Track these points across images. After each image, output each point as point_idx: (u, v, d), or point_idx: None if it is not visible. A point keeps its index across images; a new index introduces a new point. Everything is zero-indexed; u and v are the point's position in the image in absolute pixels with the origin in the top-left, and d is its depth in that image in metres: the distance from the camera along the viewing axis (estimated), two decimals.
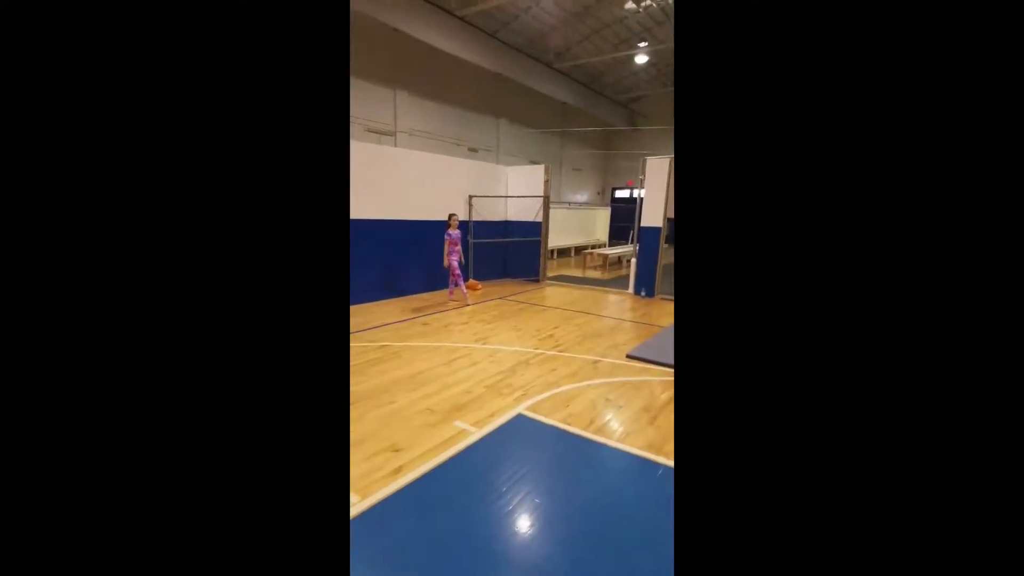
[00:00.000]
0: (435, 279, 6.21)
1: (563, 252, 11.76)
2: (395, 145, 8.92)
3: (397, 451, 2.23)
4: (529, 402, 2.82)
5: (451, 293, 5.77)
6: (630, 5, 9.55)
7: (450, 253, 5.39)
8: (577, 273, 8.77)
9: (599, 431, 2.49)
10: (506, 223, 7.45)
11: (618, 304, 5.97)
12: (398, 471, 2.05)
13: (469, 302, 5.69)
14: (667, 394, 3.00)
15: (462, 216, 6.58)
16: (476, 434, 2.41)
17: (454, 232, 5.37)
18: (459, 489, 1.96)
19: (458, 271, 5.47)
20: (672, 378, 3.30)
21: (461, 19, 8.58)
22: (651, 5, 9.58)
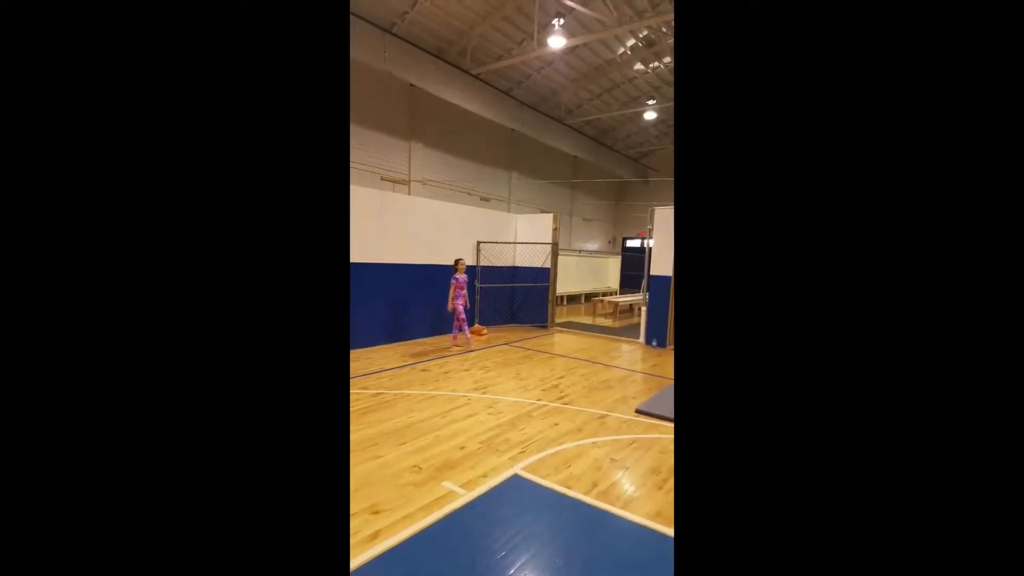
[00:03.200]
0: (440, 323, 6.11)
1: (573, 299, 11.65)
2: (409, 193, 9.16)
3: (376, 513, 2.02)
4: (527, 461, 2.59)
5: (455, 338, 5.63)
6: (639, 67, 10.03)
7: (456, 297, 5.33)
8: (587, 320, 8.58)
9: (602, 496, 2.24)
10: (514, 268, 7.42)
11: (629, 354, 5.74)
12: (375, 536, 1.84)
13: (473, 347, 5.54)
14: None
15: (470, 261, 6.57)
16: (465, 497, 2.19)
17: (461, 277, 5.34)
18: (441, 560, 1.73)
19: (463, 316, 5.39)
20: None
21: (476, 77, 9.06)
22: (659, 67, 10.04)
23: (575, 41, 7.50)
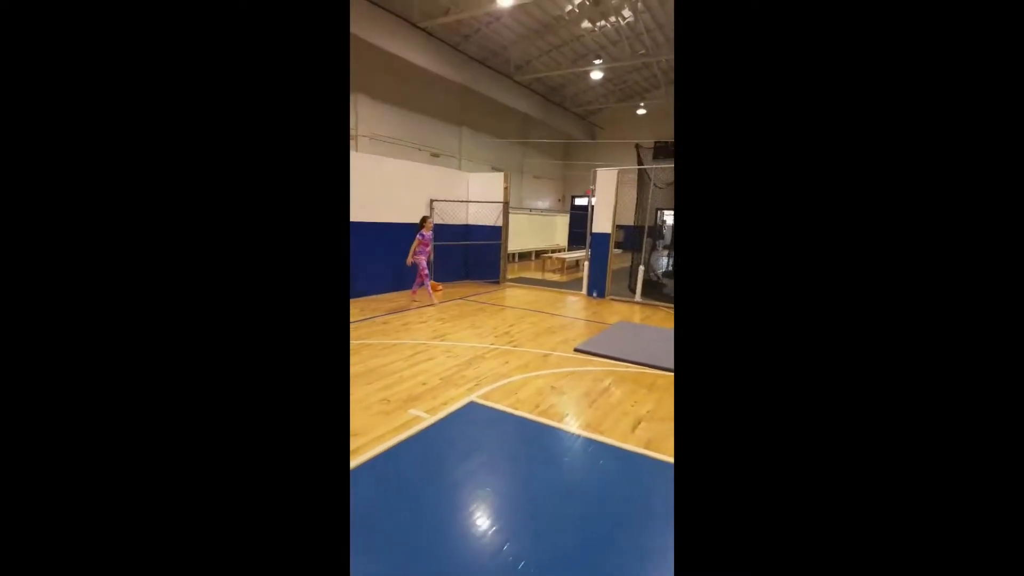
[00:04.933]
0: (399, 280, 6.32)
1: (524, 256, 12.08)
2: (356, 150, 8.95)
3: (353, 436, 2.38)
4: (481, 391, 3.03)
5: (414, 292, 5.87)
6: (586, 24, 10.08)
7: (418, 252, 5.53)
8: (537, 276, 9.08)
9: (543, 414, 2.74)
10: (467, 227, 7.66)
11: (572, 304, 6.30)
12: (354, 452, 2.21)
13: (434, 302, 5.83)
14: (606, 381, 3.30)
15: None
16: (429, 419, 2.60)
17: (427, 234, 5.53)
18: (411, 466, 2.14)
19: (426, 271, 5.63)
20: (611, 367, 3.61)
21: (423, 30, 8.78)
22: (606, 25, 10.14)
23: None
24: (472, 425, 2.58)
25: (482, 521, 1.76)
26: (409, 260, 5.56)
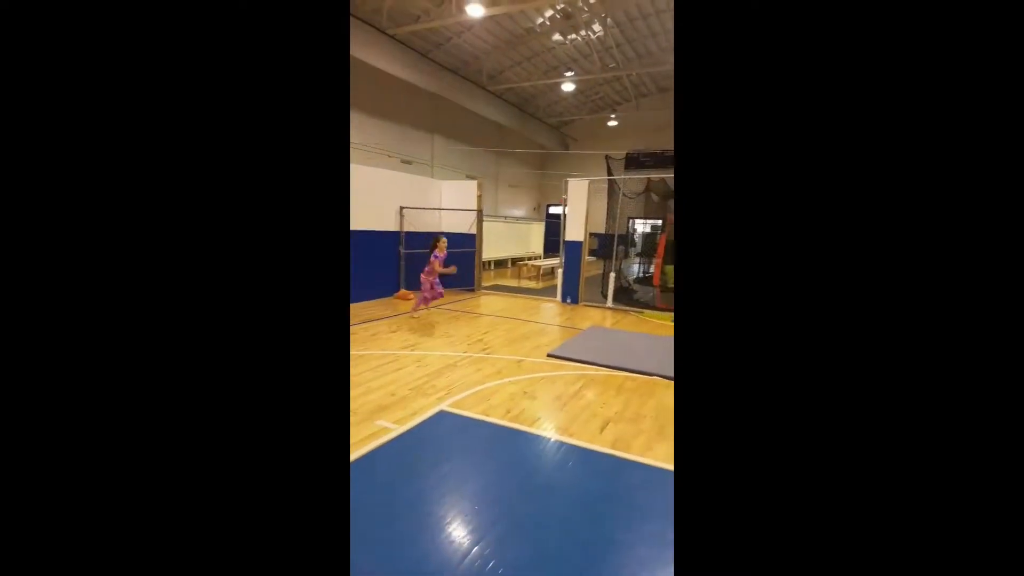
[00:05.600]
0: (366, 290, 6.21)
1: (500, 263, 12.10)
2: None
3: None
4: (452, 400, 2.99)
5: (415, 310, 5.55)
6: (557, 37, 10.29)
7: (428, 273, 5.23)
8: (513, 283, 9.10)
9: (514, 419, 2.72)
10: (440, 235, 7.61)
11: (547, 311, 6.33)
12: None
13: (415, 315, 5.54)
14: (577, 385, 3.32)
15: (393, 227, 6.65)
16: (397, 430, 2.54)
17: (441, 255, 5.24)
18: (378, 477, 2.09)
19: (428, 293, 5.31)
20: (583, 371, 3.64)
21: (392, 37, 8.77)
22: (576, 39, 10.38)
23: (494, 11, 7.55)
24: (442, 433, 2.54)
25: (451, 527, 1.73)
26: (434, 274, 5.25)
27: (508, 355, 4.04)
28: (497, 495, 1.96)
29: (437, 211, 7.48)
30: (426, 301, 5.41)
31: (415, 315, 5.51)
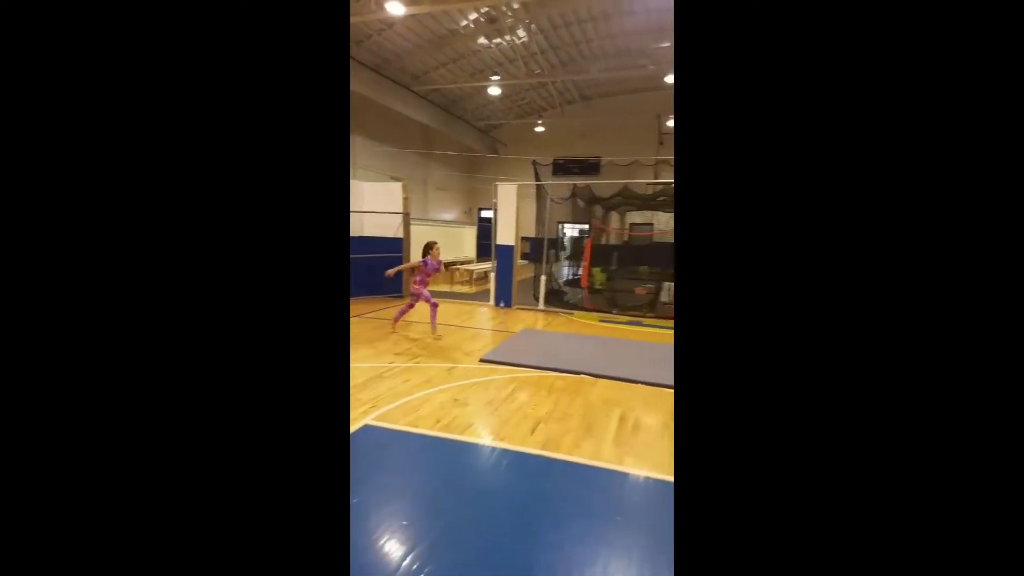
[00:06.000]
0: None
1: None
2: None
3: None
4: (377, 413, 2.85)
5: (396, 321, 5.15)
6: (482, 40, 10.33)
7: (417, 281, 4.83)
8: (445, 288, 8.94)
9: (445, 428, 2.65)
10: (362, 239, 7.27)
11: (480, 315, 6.30)
12: None
13: (438, 334, 5.05)
14: (509, 388, 3.32)
15: None
16: None
17: (432, 262, 4.84)
18: None
19: (414, 302, 4.94)
20: (515, 374, 3.65)
21: None
22: (501, 43, 10.49)
23: (415, 10, 7.40)
24: (368, 449, 2.40)
25: (380, 541, 1.62)
26: (391, 273, 4.91)
27: (439, 363, 3.94)
28: (428, 505, 1.89)
29: (359, 214, 7.15)
30: (433, 307, 4.98)
31: (434, 334, 5.00)
